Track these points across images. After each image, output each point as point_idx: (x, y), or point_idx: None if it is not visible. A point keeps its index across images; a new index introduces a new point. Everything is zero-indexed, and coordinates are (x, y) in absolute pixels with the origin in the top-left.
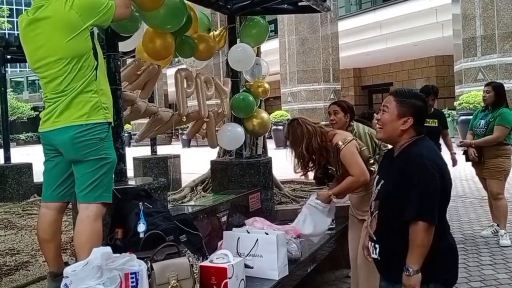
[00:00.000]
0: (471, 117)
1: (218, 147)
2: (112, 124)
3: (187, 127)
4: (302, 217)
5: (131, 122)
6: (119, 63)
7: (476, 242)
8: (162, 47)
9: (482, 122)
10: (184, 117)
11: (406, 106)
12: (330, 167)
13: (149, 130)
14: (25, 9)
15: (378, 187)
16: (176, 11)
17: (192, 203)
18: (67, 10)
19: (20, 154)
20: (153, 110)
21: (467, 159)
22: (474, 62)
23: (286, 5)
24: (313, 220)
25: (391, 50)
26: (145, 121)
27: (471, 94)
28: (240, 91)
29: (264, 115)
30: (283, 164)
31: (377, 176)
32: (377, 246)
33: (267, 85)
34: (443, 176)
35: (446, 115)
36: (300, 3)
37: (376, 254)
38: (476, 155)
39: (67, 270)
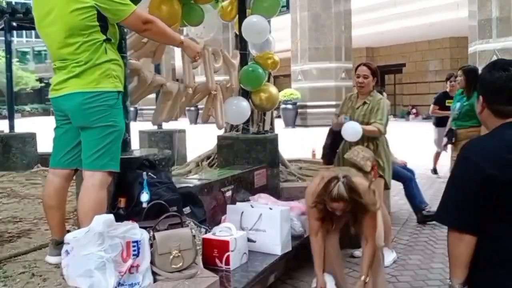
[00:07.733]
0: None
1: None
2: (122, 93)
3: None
4: None
5: None
6: (125, 30)
7: None
8: (169, 14)
9: None
10: (191, 89)
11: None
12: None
13: (163, 109)
14: None
15: None
16: None
17: (197, 177)
18: None
19: (23, 125)
20: (161, 80)
21: None
22: (489, 45)
23: None
24: None
25: (406, 29)
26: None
27: None
28: (249, 64)
29: (273, 89)
30: (291, 143)
31: None
32: None
33: (276, 57)
34: (492, 176)
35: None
36: None
37: None
38: None
39: (68, 237)
